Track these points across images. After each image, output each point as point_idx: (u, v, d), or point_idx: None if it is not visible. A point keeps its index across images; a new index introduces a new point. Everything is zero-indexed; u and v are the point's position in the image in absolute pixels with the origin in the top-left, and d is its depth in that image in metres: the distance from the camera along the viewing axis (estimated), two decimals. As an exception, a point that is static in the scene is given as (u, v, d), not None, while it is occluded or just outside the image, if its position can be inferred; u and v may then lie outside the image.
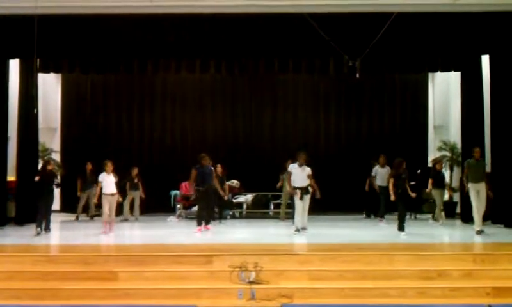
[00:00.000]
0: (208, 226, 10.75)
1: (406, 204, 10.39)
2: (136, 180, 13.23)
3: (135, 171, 13.27)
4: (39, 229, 10.30)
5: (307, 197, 10.47)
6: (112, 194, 10.69)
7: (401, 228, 10.13)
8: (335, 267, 7.53)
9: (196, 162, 11.00)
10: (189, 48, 11.94)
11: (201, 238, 9.90)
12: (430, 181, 12.15)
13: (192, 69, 13.16)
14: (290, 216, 12.10)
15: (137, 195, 13.25)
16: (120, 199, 11.19)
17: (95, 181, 12.64)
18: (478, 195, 10.33)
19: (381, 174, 12.36)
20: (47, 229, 10.57)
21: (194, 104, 15.64)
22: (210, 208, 11.55)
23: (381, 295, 6.93)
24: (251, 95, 15.79)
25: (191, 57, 12.71)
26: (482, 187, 10.38)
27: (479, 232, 10.12)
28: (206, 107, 15.69)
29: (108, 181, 10.69)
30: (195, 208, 13.51)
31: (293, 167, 10.54)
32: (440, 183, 12.30)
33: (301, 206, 10.39)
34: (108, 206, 10.60)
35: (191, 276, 7.36)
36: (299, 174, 10.42)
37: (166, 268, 7.52)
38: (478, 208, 10.29)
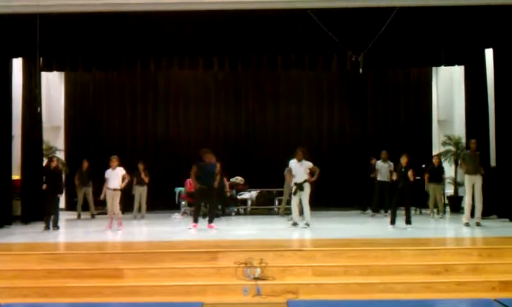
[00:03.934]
0: (212, 224, 10.64)
1: (397, 197, 10.39)
2: (142, 175, 13.02)
3: (141, 166, 13.07)
4: (46, 225, 10.52)
5: (304, 193, 10.48)
6: (114, 189, 10.79)
7: (392, 221, 10.29)
8: (341, 262, 7.52)
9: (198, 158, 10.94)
10: (191, 45, 11.93)
11: (206, 235, 9.89)
12: (426, 176, 12.34)
13: (195, 66, 13.19)
14: (289, 212, 12.05)
15: (143, 191, 13.10)
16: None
17: (91, 179, 13.08)
18: (473, 188, 10.31)
19: (383, 169, 12.53)
20: (55, 226, 10.64)
21: (197, 101, 15.64)
22: (212, 207, 11.19)
23: (387, 290, 6.91)
24: (254, 91, 15.77)
25: (194, 54, 12.72)
26: (477, 179, 10.34)
27: (467, 224, 10.19)
28: (209, 103, 15.69)
29: (113, 177, 10.80)
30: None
31: (292, 163, 10.66)
32: (434, 178, 12.35)
33: (297, 201, 10.56)
34: (110, 201, 10.76)
35: (197, 273, 7.36)
36: (297, 170, 10.54)
37: (172, 265, 7.52)
38: (469, 200, 10.32)
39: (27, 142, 12.44)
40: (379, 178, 12.59)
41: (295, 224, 10.57)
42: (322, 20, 10.53)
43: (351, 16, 11.03)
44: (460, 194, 13.55)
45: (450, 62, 13.29)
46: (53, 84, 15.07)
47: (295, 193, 10.55)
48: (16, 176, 12.34)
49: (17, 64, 12.46)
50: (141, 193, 13.09)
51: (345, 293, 6.86)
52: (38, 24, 10.31)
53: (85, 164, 13.40)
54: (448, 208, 13.61)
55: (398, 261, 7.57)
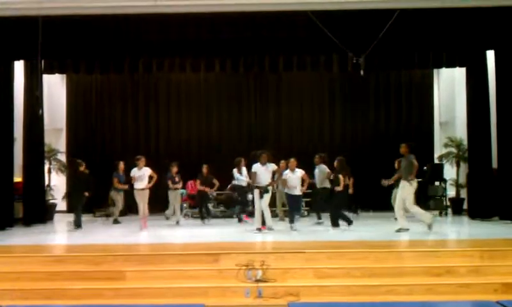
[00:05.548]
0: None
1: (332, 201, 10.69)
2: (176, 179, 12.34)
3: (175, 168, 12.30)
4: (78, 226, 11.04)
5: (267, 196, 10.39)
6: (142, 189, 10.96)
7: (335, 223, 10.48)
8: (342, 264, 7.52)
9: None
10: (193, 47, 11.98)
11: (208, 237, 9.89)
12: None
13: (197, 68, 13.19)
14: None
15: (178, 194, 12.44)
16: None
17: (128, 182, 11.99)
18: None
19: (316, 175, 11.80)
20: (78, 226, 11.05)
21: (199, 103, 15.67)
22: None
23: (388, 292, 6.91)
24: (256, 93, 15.80)
25: (196, 56, 12.74)
26: (402, 185, 9.99)
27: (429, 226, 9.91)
28: (211, 105, 15.72)
29: (139, 176, 10.96)
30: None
31: (256, 167, 10.49)
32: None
33: (260, 205, 10.35)
34: (142, 202, 10.96)
35: (198, 275, 7.36)
36: (262, 173, 10.42)
37: (173, 267, 7.53)
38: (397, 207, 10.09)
39: (28, 144, 12.46)
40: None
41: (259, 229, 10.26)
42: (324, 22, 10.53)
43: (352, 18, 11.02)
44: (462, 195, 13.55)
45: (451, 64, 13.29)
46: (55, 86, 15.11)
47: (261, 196, 10.32)
48: (17, 178, 12.35)
49: (19, 66, 12.48)
50: (174, 197, 12.40)
51: (346, 296, 6.87)
52: (40, 26, 10.32)
53: (121, 166, 12.48)
54: (450, 210, 13.61)
55: (399, 263, 7.57)
